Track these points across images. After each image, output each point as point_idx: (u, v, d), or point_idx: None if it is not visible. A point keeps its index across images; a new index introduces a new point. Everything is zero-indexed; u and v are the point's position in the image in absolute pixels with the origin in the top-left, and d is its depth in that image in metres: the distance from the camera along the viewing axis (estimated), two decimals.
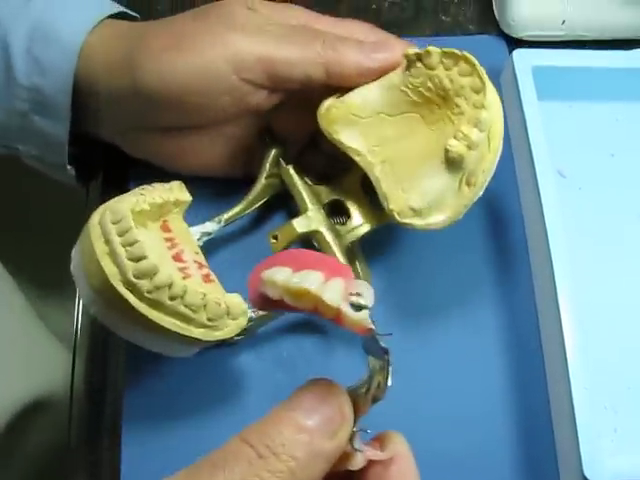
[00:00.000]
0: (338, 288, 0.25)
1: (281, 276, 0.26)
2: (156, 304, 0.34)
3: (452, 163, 0.37)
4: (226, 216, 0.42)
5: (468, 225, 0.45)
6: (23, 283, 0.53)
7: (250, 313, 0.38)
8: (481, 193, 0.38)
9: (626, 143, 0.50)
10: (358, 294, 0.25)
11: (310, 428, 0.24)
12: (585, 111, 0.51)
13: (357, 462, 0.26)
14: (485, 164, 0.38)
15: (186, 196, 0.41)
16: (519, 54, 0.47)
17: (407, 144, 0.40)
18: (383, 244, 0.46)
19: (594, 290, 0.45)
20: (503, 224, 0.47)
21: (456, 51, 0.38)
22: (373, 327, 0.25)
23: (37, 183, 0.53)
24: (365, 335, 0.25)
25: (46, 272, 0.54)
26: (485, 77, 0.37)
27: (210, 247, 0.43)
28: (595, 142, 0.50)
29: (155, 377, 0.42)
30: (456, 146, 0.36)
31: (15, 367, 0.51)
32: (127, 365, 0.43)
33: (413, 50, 0.39)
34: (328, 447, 0.24)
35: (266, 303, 0.28)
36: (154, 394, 0.42)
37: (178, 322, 0.35)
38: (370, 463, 0.26)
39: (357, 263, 0.44)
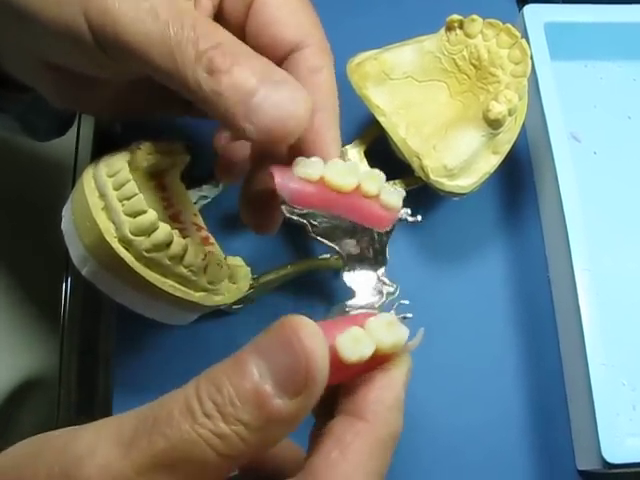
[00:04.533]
0: (378, 178, 0.27)
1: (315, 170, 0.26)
2: (154, 264, 0.31)
3: (491, 125, 0.38)
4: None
5: (480, 196, 0.43)
6: (6, 259, 0.52)
7: (251, 280, 0.37)
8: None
9: None
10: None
11: (265, 385, 0.20)
12: (601, 71, 0.49)
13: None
14: (511, 135, 0.40)
15: (185, 155, 0.39)
16: (530, 10, 0.45)
17: (430, 110, 0.41)
18: None
19: (611, 260, 0.43)
20: (516, 192, 0.46)
21: (499, 22, 0.40)
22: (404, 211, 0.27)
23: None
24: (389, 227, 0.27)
25: (31, 243, 0.52)
26: (527, 48, 0.39)
27: (207, 211, 0.41)
28: (611, 104, 0.48)
29: (148, 350, 0.40)
30: (498, 107, 0.37)
31: (3, 347, 0.49)
32: (118, 338, 0.41)
33: (457, 16, 0.40)
34: (284, 411, 0.20)
35: (302, 195, 0.26)
36: (146, 368, 0.40)
37: (177, 284, 0.32)
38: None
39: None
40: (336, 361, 0.22)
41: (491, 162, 0.40)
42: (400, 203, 0.28)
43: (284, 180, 0.26)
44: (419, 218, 0.29)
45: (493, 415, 0.40)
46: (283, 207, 0.27)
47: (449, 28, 0.41)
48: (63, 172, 0.50)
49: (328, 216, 0.28)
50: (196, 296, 0.33)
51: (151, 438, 0.20)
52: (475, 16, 0.40)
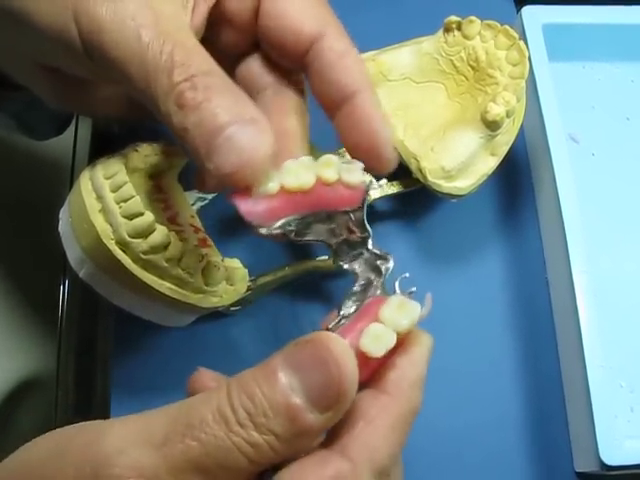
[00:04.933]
0: (333, 161, 0.27)
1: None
2: (151, 266, 0.31)
3: (489, 126, 0.38)
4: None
5: (478, 198, 0.43)
6: (3, 260, 0.51)
7: (248, 282, 0.36)
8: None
9: None
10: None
11: (298, 399, 0.21)
12: (599, 72, 0.49)
13: None
14: (509, 137, 0.40)
15: (182, 157, 0.38)
16: (528, 11, 0.45)
17: (428, 111, 0.41)
18: (384, 213, 0.44)
19: (609, 262, 0.43)
20: (514, 194, 0.45)
21: (497, 24, 0.40)
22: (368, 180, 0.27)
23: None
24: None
25: (29, 244, 0.52)
26: (525, 50, 0.39)
27: (205, 213, 0.41)
28: (609, 105, 0.48)
29: (145, 351, 0.40)
30: (496, 109, 0.37)
31: (0, 348, 0.49)
32: (116, 339, 0.41)
33: (455, 18, 0.40)
34: (314, 425, 0.21)
35: (271, 212, 0.26)
36: (144, 369, 0.40)
37: (174, 286, 0.32)
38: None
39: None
40: (362, 360, 0.23)
41: (489, 164, 0.40)
42: (362, 177, 0.27)
43: (248, 206, 0.26)
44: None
45: (491, 417, 0.40)
46: (258, 230, 0.27)
47: (447, 29, 0.41)
48: (60, 173, 0.50)
49: (300, 216, 0.28)
50: (193, 298, 0.33)
51: (185, 442, 0.20)
52: (473, 17, 0.40)
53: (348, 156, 0.39)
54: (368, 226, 0.28)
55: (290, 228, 0.27)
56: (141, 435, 0.21)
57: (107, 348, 0.42)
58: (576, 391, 0.38)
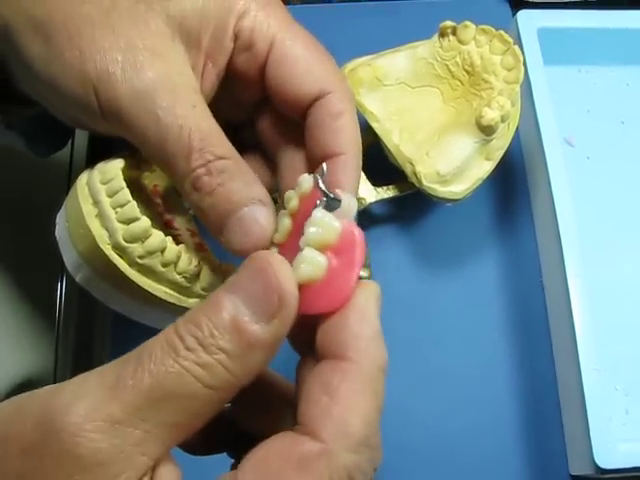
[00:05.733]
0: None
1: None
2: (147, 270, 0.31)
3: (484, 131, 0.38)
4: None
5: (474, 202, 0.43)
6: (1, 261, 0.52)
7: None
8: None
9: (637, 110, 0.48)
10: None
11: (240, 313, 0.21)
12: (594, 76, 0.49)
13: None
14: (504, 141, 0.40)
15: None
16: (524, 15, 0.45)
17: (423, 116, 0.41)
18: (379, 217, 0.44)
19: (603, 265, 0.43)
20: (509, 198, 0.46)
21: (492, 29, 0.40)
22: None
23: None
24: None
25: (27, 245, 0.52)
26: (520, 55, 0.39)
27: None
28: (604, 109, 0.48)
29: None
30: (491, 114, 0.37)
31: (1, 348, 0.49)
32: (113, 339, 0.41)
33: (450, 23, 0.40)
34: (261, 335, 0.21)
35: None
36: None
37: (170, 291, 0.32)
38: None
39: None
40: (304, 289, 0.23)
41: (484, 168, 0.40)
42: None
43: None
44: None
45: (486, 420, 0.40)
46: None
47: (442, 34, 0.41)
48: (58, 176, 0.50)
49: None
50: (190, 302, 0.33)
51: (135, 376, 0.20)
52: (468, 22, 0.40)
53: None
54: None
55: None
56: (95, 382, 0.21)
57: (104, 348, 0.42)
58: (571, 394, 0.38)
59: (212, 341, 0.21)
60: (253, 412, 0.28)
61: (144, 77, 0.27)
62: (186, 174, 0.28)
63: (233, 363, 0.21)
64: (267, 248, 0.27)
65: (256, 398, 0.27)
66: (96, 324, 0.43)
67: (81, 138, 0.47)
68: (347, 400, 0.21)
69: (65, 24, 0.28)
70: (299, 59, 0.30)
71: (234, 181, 0.27)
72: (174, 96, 0.28)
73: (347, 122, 0.30)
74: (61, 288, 0.44)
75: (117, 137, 0.31)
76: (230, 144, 0.29)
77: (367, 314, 0.23)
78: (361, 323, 0.23)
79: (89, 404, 0.20)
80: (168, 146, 0.27)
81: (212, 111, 0.29)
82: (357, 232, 0.24)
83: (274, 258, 0.22)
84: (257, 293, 0.22)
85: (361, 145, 0.30)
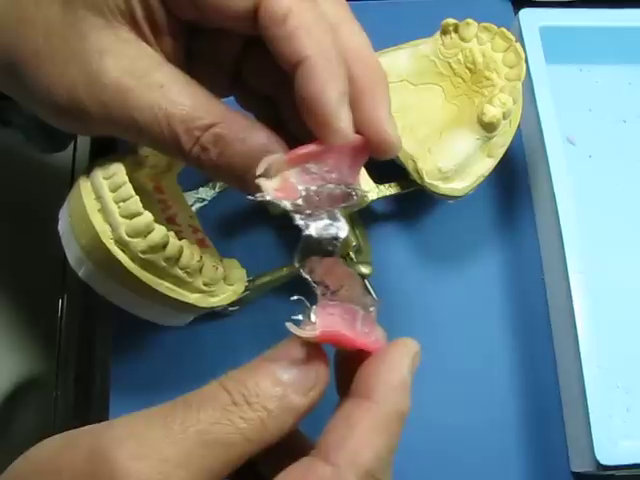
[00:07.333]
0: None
1: None
2: (150, 265, 0.31)
3: (486, 128, 0.38)
4: (220, 182, 0.41)
5: (476, 199, 0.43)
6: (3, 262, 0.52)
7: (246, 282, 0.37)
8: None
9: (639, 108, 0.48)
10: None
11: (285, 383, 0.24)
12: (596, 74, 0.49)
13: None
14: (505, 138, 0.40)
15: None
16: (526, 14, 0.45)
17: (425, 113, 0.41)
18: (381, 214, 0.44)
19: (605, 263, 0.43)
20: (511, 195, 0.46)
21: (494, 26, 0.40)
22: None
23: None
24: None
25: (29, 246, 0.52)
26: (521, 52, 0.39)
27: (204, 214, 0.41)
28: (606, 107, 0.48)
29: (144, 351, 0.40)
30: (493, 111, 0.37)
31: (1, 347, 0.50)
32: (115, 339, 0.41)
33: (452, 20, 0.41)
34: (299, 403, 0.24)
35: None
36: (143, 369, 0.40)
37: (172, 286, 0.32)
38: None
39: (356, 230, 0.42)
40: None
41: (486, 165, 0.40)
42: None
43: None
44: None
45: (487, 417, 0.40)
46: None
47: (444, 32, 0.41)
48: (61, 173, 0.50)
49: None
50: (192, 298, 0.33)
51: (185, 422, 0.22)
52: (470, 20, 0.40)
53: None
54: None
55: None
56: (143, 422, 0.22)
57: (106, 348, 0.42)
58: (572, 391, 0.38)
59: (257, 400, 0.23)
60: (274, 460, 0.29)
61: (103, 87, 0.27)
62: (186, 158, 0.28)
63: (271, 421, 0.23)
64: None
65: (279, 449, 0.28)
66: (97, 323, 0.43)
67: (84, 137, 0.48)
68: (363, 434, 0.23)
69: (26, 63, 0.29)
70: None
71: (231, 146, 0.27)
72: (138, 89, 0.27)
73: (302, 22, 0.26)
74: (63, 288, 0.44)
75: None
76: (215, 101, 0.28)
77: (399, 367, 0.25)
78: (390, 372, 0.25)
79: (140, 441, 0.21)
80: (157, 142, 0.28)
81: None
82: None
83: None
84: (302, 371, 0.24)
85: (337, 48, 0.27)
